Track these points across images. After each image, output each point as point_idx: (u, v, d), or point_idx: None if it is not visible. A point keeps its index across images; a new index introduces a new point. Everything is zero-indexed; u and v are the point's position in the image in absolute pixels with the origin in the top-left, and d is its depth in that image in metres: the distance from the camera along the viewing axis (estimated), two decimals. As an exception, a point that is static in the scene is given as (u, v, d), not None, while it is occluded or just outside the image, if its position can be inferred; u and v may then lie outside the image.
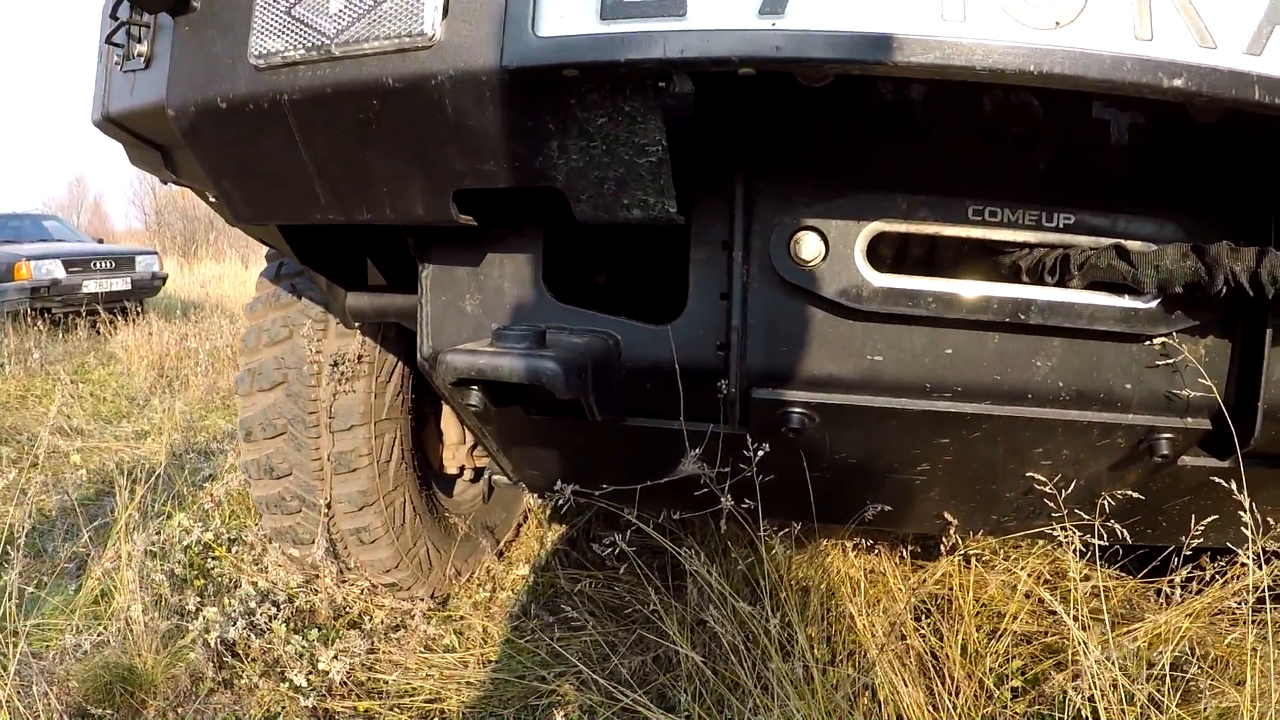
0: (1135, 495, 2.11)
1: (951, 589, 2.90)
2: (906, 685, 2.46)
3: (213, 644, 2.79)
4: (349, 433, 2.80)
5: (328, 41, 1.56)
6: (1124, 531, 2.17)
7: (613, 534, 2.25)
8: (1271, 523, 2.28)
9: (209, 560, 3.34)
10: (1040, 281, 1.82)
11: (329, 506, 2.86)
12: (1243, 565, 2.56)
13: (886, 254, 1.92)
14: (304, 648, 2.84)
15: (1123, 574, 3.21)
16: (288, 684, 2.75)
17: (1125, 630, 2.71)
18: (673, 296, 1.94)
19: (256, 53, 1.61)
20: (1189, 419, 1.95)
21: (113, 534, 3.23)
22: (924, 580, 3.00)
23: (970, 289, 1.80)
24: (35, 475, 4.20)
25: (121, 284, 13.41)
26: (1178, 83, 1.39)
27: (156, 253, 15.15)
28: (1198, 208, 1.88)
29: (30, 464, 4.35)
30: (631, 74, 1.45)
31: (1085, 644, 2.14)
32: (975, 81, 1.40)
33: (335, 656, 2.79)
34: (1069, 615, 2.18)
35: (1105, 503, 2.13)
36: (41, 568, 3.40)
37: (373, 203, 1.79)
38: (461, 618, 3.14)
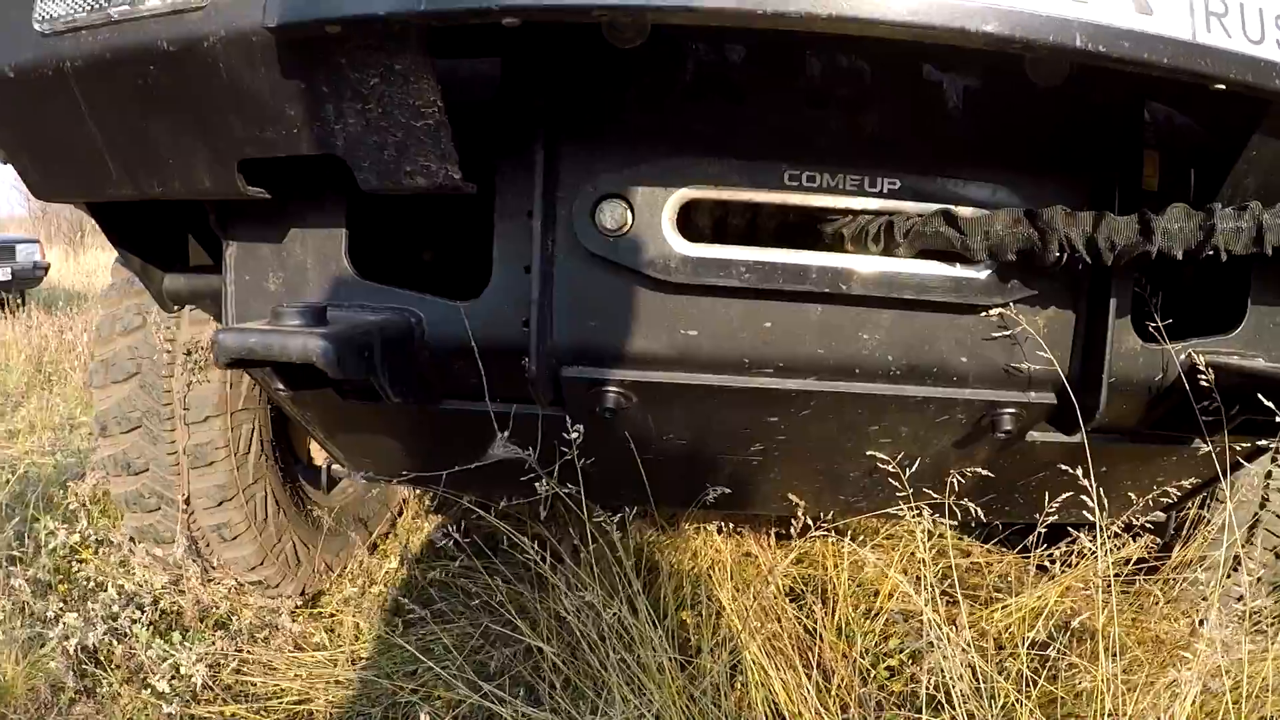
0: (984, 473, 1.93)
1: (827, 570, 2.72)
2: (779, 669, 2.29)
3: (72, 651, 2.56)
4: (204, 424, 2.58)
5: (106, 4, 1.43)
6: (978, 510, 1.99)
7: (450, 525, 2.04)
8: (1134, 497, 2.12)
9: (74, 564, 3.10)
10: (864, 250, 1.63)
11: (188, 502, 2.64)
12: (1111, 537, 2.42)
13: (705, 223, 1.73)
14: (167, 652, 2.62)
15: (1003, 548, 3.05)
16: (150, 690, 2.53)
17: (999, 606, 2.55)
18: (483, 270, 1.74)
19: (40, 17, 1.48)
20: (1032, 393, 1.77)
21: (-29, 541, 2.99)
22: (798, 561, 2.82)
23: (787, 258, 1.62)
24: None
25: (1, 274, 12.53)
26: (989, 28, 1.23)
27: (38, 241, 14.15)
28: (1038, 173, 1.72)
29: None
30: (395, 29, 1.28)
31: (939, 626, 1.96)
32: (753, 28, 1.22)
33: (198, 660, 2.57)
34: (926, 596, 2.00)
35: (955, 480, 1.95)
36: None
37: (162, 176, 1.63)
38: (332, 614, 2.92)
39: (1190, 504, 2.52)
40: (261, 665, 2.69)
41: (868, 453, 1.90)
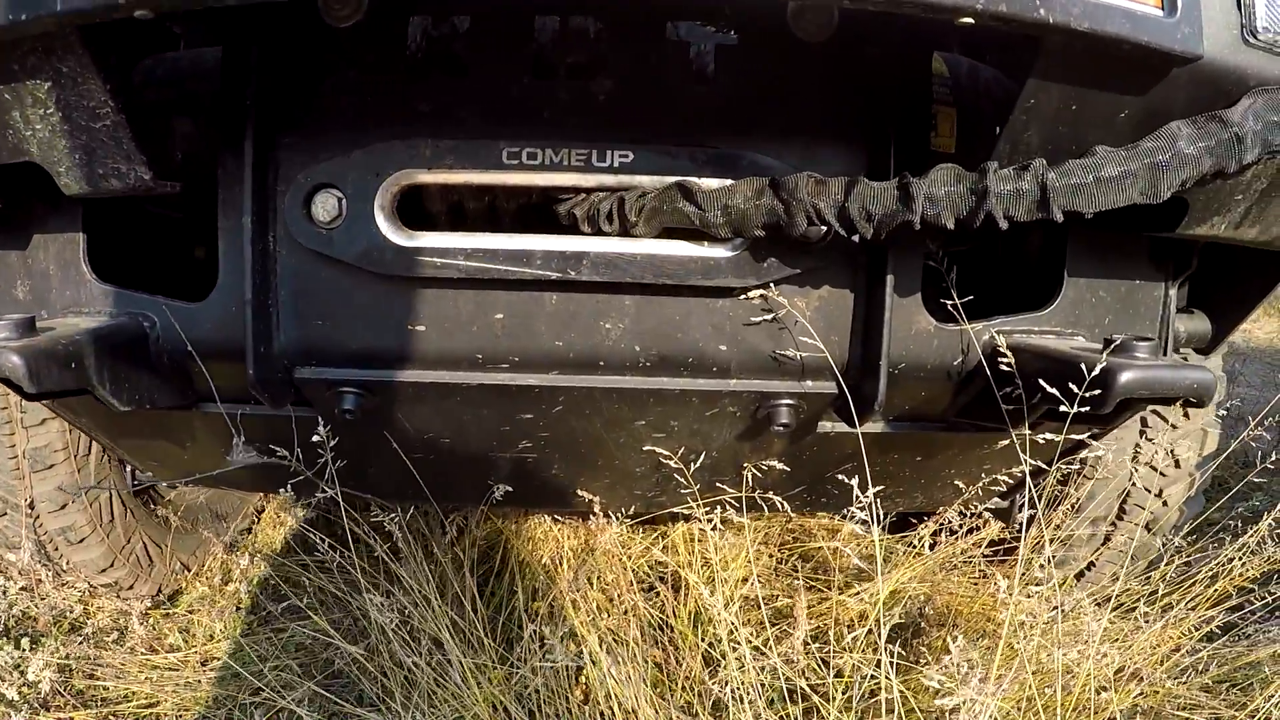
0: (781, 467, 1.75)
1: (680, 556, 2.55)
2: (620, 663, 2.14)
3: (-82, 661, 2.45)
4: (42, 427, 2.42)
5: None
6: (783, 502, 1.81)
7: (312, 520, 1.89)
8: (962, 485, 1.93)
9: (-68, 574, 2.98)
10: (600, 231, 1.44)
11: (31, 506, 2.49)
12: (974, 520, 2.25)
13: (439, 210, 1.55)
14: (17, 658, 2.49)
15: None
16: (-1, 698, 2.42)
17: (854, 591, 2.38)
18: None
19: None
20: (809, 383, 1.59)
21: None
22: (651, 547, 2.65)
23: (509, 243, 1.44)
24: None
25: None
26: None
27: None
28: (810, 139, 1.52)
29: None
30: (48, 33, 1.19)
31: (735, 628, 1.79)
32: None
33: (45, 666, 2.44)
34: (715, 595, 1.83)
35: (755, 474, 1.77)
36: None
37: None
38: (188, 614, 2.79)
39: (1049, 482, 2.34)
40: (114, 669, 2.56)
41: (645, 449, 1.72)
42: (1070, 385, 1.40)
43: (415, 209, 1.58)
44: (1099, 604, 2.22)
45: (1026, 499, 1.70)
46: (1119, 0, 1.16)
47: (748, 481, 1.80)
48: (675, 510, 1.99)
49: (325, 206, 1.45)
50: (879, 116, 1.52)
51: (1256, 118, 1.31)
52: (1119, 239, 1.67)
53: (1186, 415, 2.28)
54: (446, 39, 1.47)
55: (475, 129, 1.45)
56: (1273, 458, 2.13)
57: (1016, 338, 1.62)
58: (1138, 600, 2.22)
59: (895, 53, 1.51)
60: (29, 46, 1.21)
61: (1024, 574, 2.29)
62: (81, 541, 2.56)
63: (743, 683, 1.80)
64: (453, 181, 1.44)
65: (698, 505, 1.77)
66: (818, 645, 2.22)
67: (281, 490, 1.79)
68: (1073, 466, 2.25)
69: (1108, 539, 2.41)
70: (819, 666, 2.02)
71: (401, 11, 1.47)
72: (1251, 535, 2.02)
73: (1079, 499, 2.30)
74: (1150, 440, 2.29)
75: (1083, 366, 1.37)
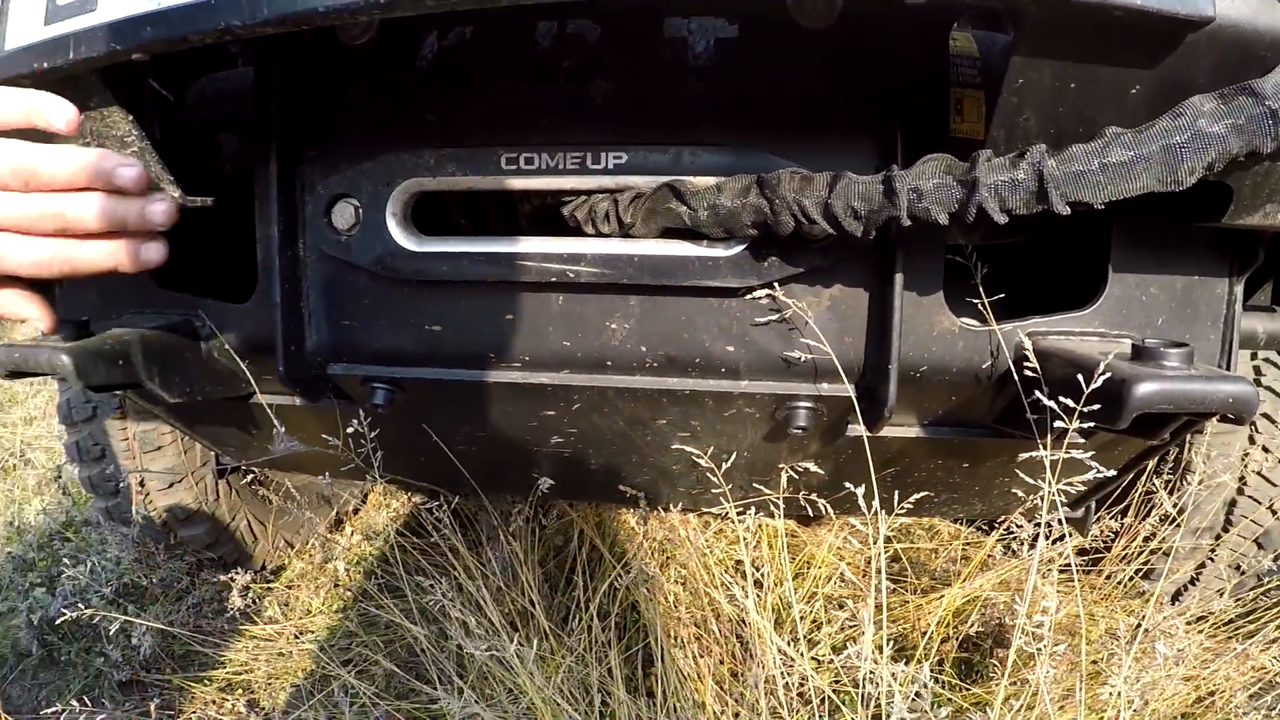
0: (816, 470, 1.81)
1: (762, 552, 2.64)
2: (697, 656, 2.27)
3: (36, 622, 2.84)
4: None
5: None
6: (829, 506, 1.88)
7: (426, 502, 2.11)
8: (1020, 494, 1.94)
9: (57, 542, 3.40)
10: (599, 232, 1.55)
11: (142, 485, 2.82)
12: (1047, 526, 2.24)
13: (460, 215, 1.70)
14: (123, 624, 2.84)
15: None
16: (104, 659, 2.79)
17: (935, 596, 2.41)
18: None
19: None
20: (824, 385, 1.64)
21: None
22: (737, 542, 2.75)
23: (510, 245, 1.57)
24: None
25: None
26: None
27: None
28: (818, 132, 1.56)
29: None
30: (68, 78, 1.32)
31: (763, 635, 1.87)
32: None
33: (146, 631, 2.77)
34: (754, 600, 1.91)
35: (795, 475, 1.85)
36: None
37: None
38: (287, 588, 3.08)
39: (1146, 486, 2.30)
40: (214, 637, 2.88)
41: (673, 446, 1.82)
42: (1086, 396, 1.37)
43: (442, 215, 1.74)
44: (1190, 622, 2.18)
45: (1044, 520, 1.66)
46: (1102, -41, 1.08)
47: (789, 483, 1.86)
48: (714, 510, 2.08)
49: (343, 215, 1.62)
50: (887, 104, 1.52)
51: (1296, 88, 1.21)
52: (1170, 229, 1.59)
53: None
54: (451, 51, 1.60)
55: (477, 137, 1.57)
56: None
57: (1051, 340, 1.60)
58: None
59: (905, 34, 1.52)
60: (53, 86, 1.33)
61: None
62: (189, 518, 2.86)
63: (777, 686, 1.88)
64: (456, 188, 1.57)
65: (730, 505, 1.85)
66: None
67: (322, 478, 2.00)
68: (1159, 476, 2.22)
69: (1213, 553, 2.34)
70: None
71: (410, 28, 1.61)
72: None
73: (1178, 507, 2.24)
74: (1261, 446, 2.22)
75: (1079, 378, 1.35)
